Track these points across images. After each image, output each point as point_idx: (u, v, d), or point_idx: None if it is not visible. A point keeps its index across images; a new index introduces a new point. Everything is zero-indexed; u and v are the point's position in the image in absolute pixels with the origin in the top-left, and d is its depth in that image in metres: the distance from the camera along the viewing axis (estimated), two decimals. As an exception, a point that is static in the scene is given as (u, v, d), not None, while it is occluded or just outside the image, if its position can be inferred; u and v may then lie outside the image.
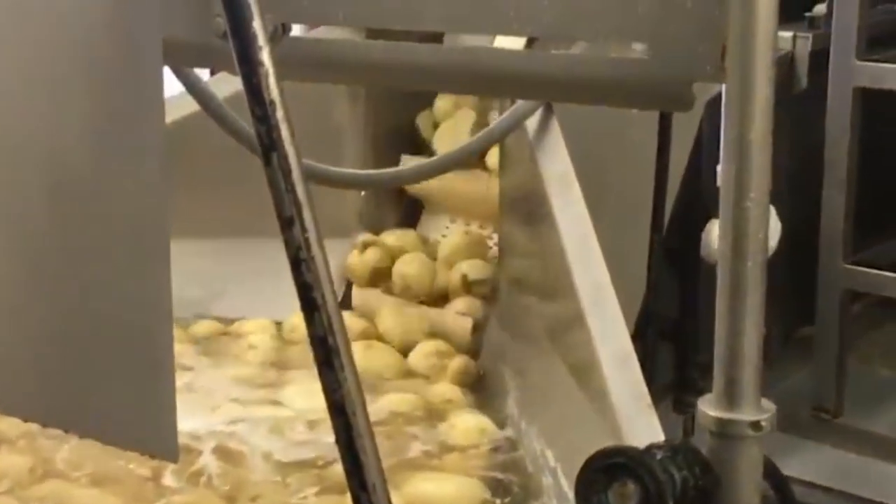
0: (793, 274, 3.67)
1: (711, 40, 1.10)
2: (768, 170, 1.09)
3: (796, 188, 3.76)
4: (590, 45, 1.27)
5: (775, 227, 3.68)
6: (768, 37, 1.08)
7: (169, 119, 1.20)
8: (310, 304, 0.98)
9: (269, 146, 0.99)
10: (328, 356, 0.97)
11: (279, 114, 1.01)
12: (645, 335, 2.10)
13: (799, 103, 3.74)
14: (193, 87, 1.68)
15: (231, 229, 1.98)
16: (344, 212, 2.00)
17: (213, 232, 1.98)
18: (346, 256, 1.99)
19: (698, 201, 3.00)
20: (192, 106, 1.73)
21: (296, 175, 0.99)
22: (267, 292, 1.87)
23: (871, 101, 3.56)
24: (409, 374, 1.82)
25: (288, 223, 0.99)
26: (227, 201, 1.94)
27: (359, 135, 1.96)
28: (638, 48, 1.18)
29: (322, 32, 1.59)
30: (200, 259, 1.96)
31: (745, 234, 1.09)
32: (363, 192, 2.00)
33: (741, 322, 1.08)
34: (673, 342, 3.40)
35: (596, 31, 1.19)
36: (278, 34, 1.37)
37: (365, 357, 1.78)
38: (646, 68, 1.16)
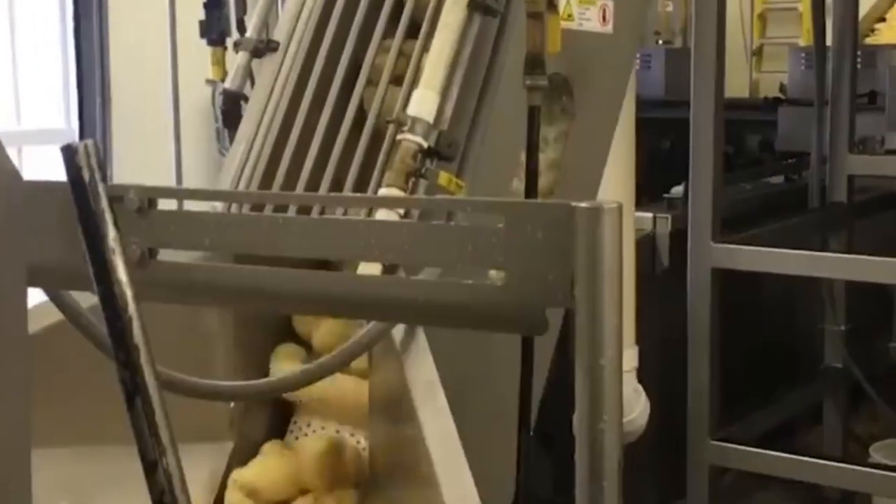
0: (665, 449, 3.74)
1: (561, 269, 1.15)
2: (620, 394, 1.13)
3: (664, 366, 3.85)
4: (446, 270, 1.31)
5: (645, 407, 3.75)
6: (614, 266, 1.13)
7: (33, 328, 1.21)
8: (174, 549, 0.99)
9: (132, 391, 1.01)
10: None
11: (143, 358, 1.02)
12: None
13: (662, 281, 3.86)
14: (57, 298, 1.68)
15: (100, 435, 1.96)
16: (214, 416, 1.99)
17: (80, 439, 1.96)
18: (216, 463, 1.97)
19: (568, 384, 3.05)
20: (56, 314, 1.73)
21: (159, 418, 1.01)
22: (137, 498, 1.84)
23: (729, 280, 3.69)
24: None
25: (151, 467, 1.00)
26: (95, 407, 1.92)
27: (228, 343, 1.97)
28: (492, 275, 1.22)
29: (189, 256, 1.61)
30: (67, 467, 1.94)
31: (600, 453, 1.12)
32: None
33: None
34: (549, 522, 3.43)
35: (452, 259, 1.23)
36: (145, 259, 1.40)
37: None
38: (500, 295, 1.20)
